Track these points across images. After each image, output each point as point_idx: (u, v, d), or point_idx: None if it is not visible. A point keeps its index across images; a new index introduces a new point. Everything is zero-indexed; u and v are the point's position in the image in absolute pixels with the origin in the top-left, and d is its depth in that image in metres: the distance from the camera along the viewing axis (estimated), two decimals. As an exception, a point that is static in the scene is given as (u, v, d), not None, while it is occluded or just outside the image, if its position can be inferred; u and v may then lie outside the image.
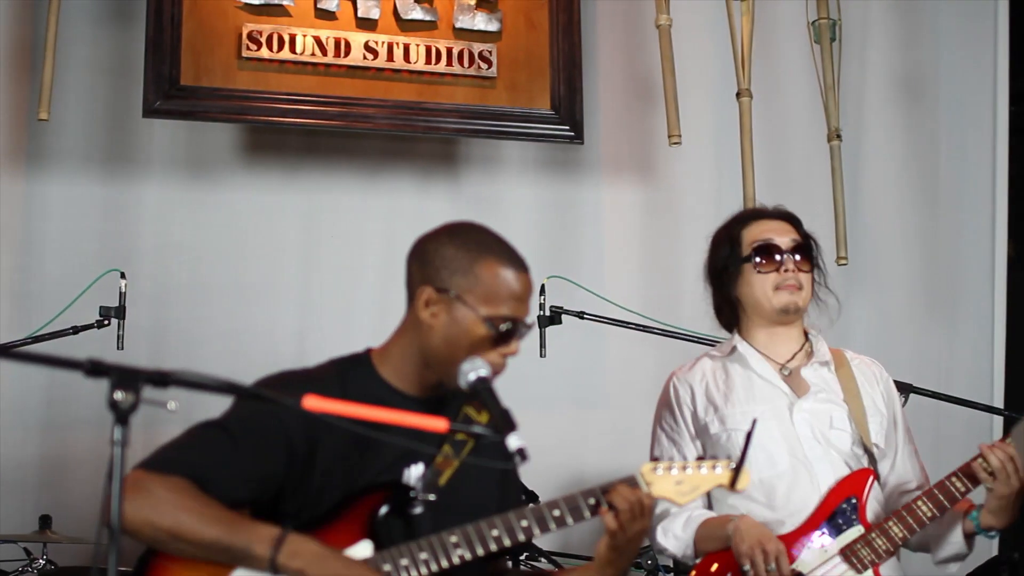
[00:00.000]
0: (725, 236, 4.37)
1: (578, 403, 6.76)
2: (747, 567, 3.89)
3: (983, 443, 4.01)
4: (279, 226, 6.54)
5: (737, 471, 3.45)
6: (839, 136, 6.69)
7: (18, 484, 6.01)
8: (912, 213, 7.35)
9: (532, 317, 3.50)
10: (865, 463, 4.15)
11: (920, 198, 7.37)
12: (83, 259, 6.05)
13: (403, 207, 6.50)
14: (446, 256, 3.42)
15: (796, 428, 4.13)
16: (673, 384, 4.37)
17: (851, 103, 7.11)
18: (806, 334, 4.36)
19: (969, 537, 4.10)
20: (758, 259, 4.23)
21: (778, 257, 4.21)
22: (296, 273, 6.55)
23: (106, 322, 5.41)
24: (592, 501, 3.32)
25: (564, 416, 6.65)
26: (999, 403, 7.11)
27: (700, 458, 3.50)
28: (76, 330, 5.35)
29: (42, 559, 5.14)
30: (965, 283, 7.37)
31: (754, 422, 3.57)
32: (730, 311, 4.38)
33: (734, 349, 4.30)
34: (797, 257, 4.23)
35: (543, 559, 5.30)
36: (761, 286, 4.24)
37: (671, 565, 5.83)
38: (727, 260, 4.32)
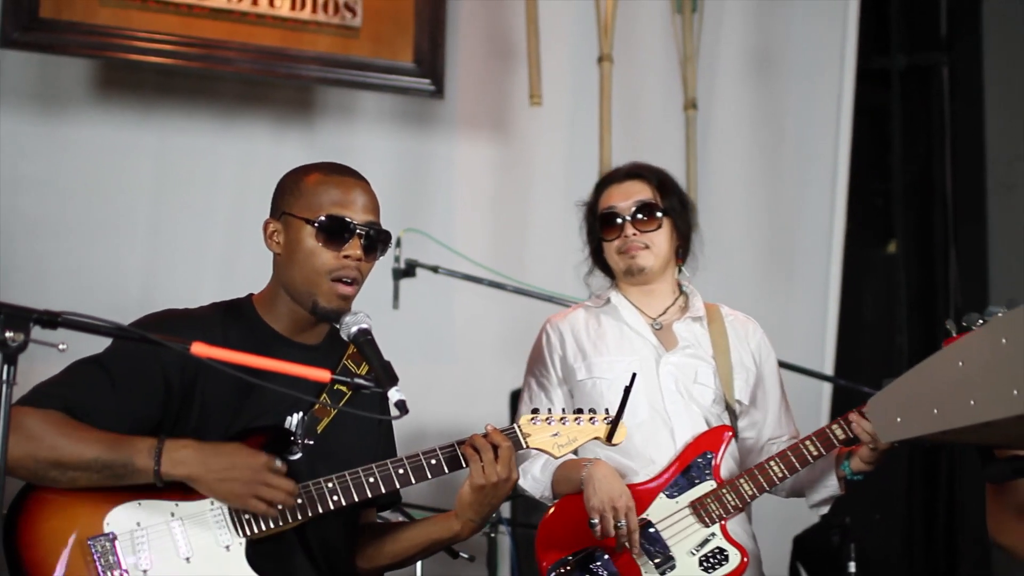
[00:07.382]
0: (587, 206, 4.50)
1: (427, 357, 6.79)
2: (596, 521, 3.99)
3: (852, 412, 4.07)
4: (131, 165, 6.43)
5: (614, 425, 3.56)
6: (695, 106, 6.84)
7: None
8: (757, 183, 7.56)
9: (363, 219, 3.49)
10: (725, 419, 4.29)
11: (765, 169, 7.58)
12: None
13: (257, 153, 6.48)
14: (281, 185, 3.55)
15: (660, 381, 4.24)
16: (546, 330, 4.44)
17: (705, 74, 7.23)
18: (680, 287, 4.47)
19: (841, 480, 4.21)
20: (603, 228, 4.38)
21: (619, 222, 4.33)
22: (146, 213, 6.45)
23: (-59, 254, 5.28)
24: (462, 449, 3.43)
25: (413, 369, 6.60)
26: (829, 370, 7.36)
27: (579, 411, 3.62)
28: (-94, 263, 5.19)
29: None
30: (803, 253, 7.61)
31: (633, 376, 3.70)
32: (606, 271, 4.50)
33: (608, 300, 4.40)
34: (640, 217, 4.33)
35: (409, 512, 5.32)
36: (609, 253, 4.40)
37: (511, 517, 5.93)
38: (589, 230, 4.48)
